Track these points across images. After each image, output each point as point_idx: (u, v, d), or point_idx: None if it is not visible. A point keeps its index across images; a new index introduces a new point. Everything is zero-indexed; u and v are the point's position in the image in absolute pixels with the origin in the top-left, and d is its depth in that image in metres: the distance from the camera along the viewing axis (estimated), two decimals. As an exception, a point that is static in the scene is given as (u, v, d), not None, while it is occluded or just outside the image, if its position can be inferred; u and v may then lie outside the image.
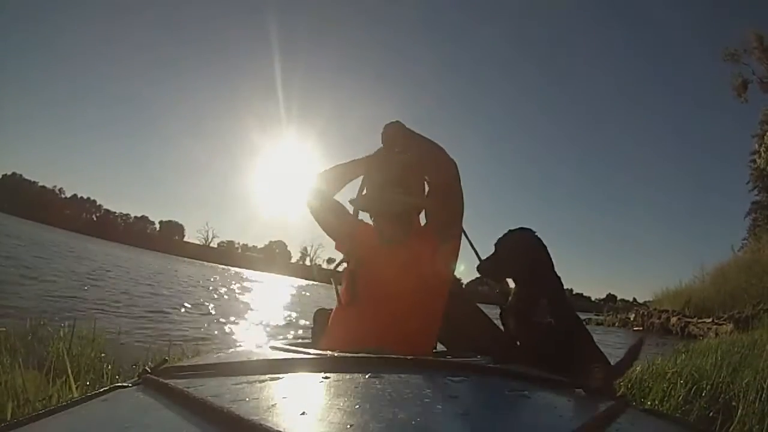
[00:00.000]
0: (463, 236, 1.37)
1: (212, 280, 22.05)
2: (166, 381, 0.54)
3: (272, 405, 0.46)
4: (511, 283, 1.32)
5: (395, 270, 1.26)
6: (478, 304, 1.52)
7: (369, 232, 1.42)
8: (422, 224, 1.43)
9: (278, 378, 0.57)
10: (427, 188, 1.42)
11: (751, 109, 20.76)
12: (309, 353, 0.78)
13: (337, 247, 1.44)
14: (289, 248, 74.25)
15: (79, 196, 73.56)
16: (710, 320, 11.55)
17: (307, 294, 20.11)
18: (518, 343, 1.27)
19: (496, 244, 1.26)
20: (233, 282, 23.16)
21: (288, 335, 6.67)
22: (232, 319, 8.56)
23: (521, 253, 1.22)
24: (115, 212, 76.22)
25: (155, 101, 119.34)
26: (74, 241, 30.39)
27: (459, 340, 1.42)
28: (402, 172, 1.36)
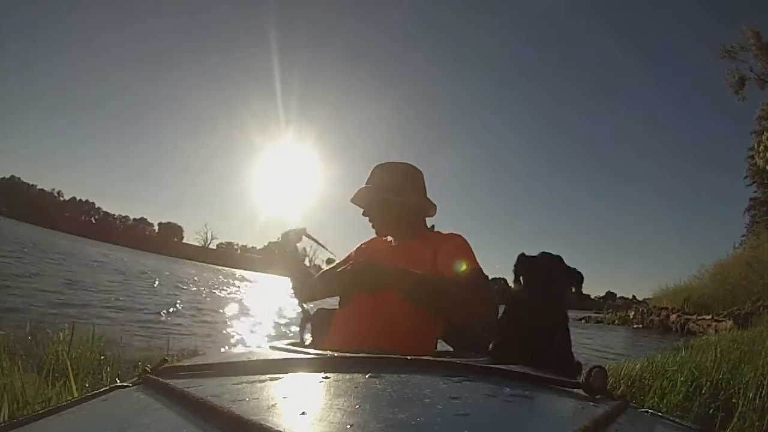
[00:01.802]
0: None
1: (211, 280, 22.04)
2: (166, 381, 0.54)
3: (272, 405, 0.46)
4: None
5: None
6: None
7: (371, 243, 1.47)
8: (427, 226, 1.45)
9: (278, 378, 0.57)
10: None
11: (749, 106, 20.79)
12: (309, 353, 0.78)
13: None
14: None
15: (77, 198, 73.64)
16: (710, 317, 11.57)
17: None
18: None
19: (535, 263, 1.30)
20: (232, 283, 23.15)
21: (288, 335, 6.68)
22: (232, 319, 8.56)
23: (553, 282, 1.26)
24: (113, 214, 76.31)
25: (154, 103, 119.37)
26: (74, 243, 30.37)
27: (464, 338, 1.42)
28: (398, 179, 1.39)
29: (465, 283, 1.20)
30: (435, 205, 1.43)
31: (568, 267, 1.28)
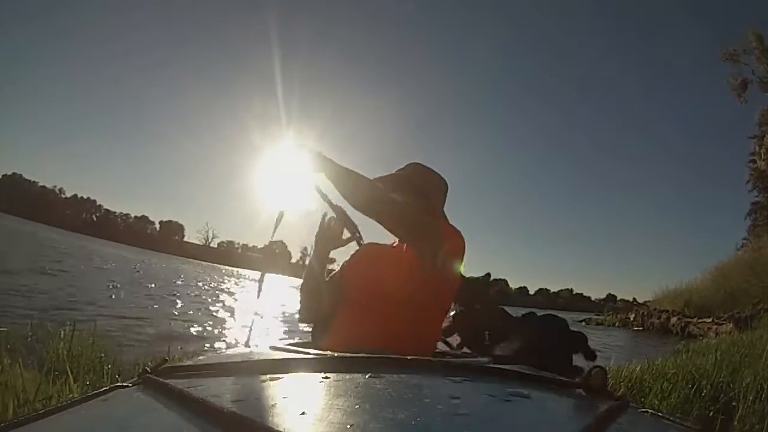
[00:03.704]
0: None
1: (212, 280, 22.04)
2: (166, 381, 0.54)
3: (272, 405, 0.46)
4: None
5: (395, 270, 1.26)
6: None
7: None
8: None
9: (278, 378, 0.57)
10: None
11: (752, 108, 20.74)
12: (309, 353, 0.77)
13: None
14: (289, 248, 74.28)
15: (79, 196, 73.66)
16: (710, 320, 11.54)
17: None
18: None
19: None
20: (233, 282, 23.16)
21: (288, 335, 6.67)
22: (232, 318, 8.56)
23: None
24: (115, 212, 76.38)
25: (155, 101, 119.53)
26: (75, 241, 30.39)
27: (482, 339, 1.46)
28: (418, 179, 1.40)
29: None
30: (447, 222, 1.44)
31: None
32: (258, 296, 1.41)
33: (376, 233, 1.43)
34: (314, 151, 1.20)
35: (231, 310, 10.06)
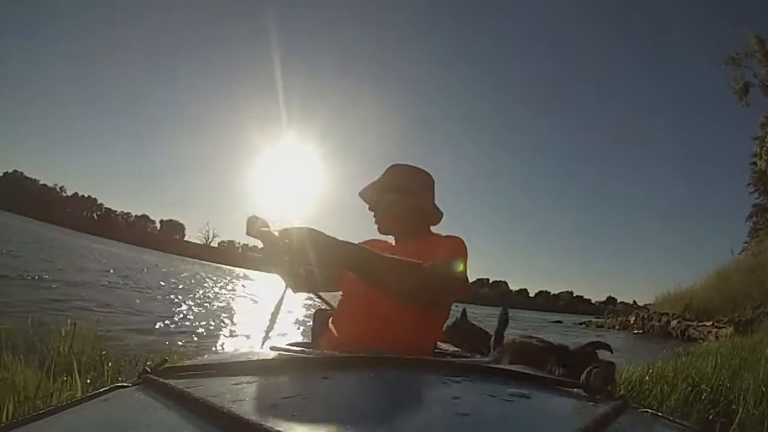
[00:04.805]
0: None
1: (212, 279, 22.06)
2: (166, 381, 0.54)
3: (272, 405, 0.46)
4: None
5: None
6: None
7: (369, 243, 1.45)
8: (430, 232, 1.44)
9: (278, 378, 0.57)
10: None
11: (753, 112, 20.71)
12: (309, 353, 0.78)
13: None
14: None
15: (80, 194, 73.72)
16: (710, 323, 11.51)
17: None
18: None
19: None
20: (233, 282, 23.17)
21: (288, 335, 6.65)
22: (232, 319, 8.56)
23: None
24: (115, 211, 76.41)
25: (157, 100, 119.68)
26: (76, 239, 30.43)
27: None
28: (410, 180, 1.39)
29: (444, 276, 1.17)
30: (442, 214, 1.43)
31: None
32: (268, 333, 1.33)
33: (374, 231, 1.44)
34: (303, 227, 0.99)
35: (231, 311, 10.06)
